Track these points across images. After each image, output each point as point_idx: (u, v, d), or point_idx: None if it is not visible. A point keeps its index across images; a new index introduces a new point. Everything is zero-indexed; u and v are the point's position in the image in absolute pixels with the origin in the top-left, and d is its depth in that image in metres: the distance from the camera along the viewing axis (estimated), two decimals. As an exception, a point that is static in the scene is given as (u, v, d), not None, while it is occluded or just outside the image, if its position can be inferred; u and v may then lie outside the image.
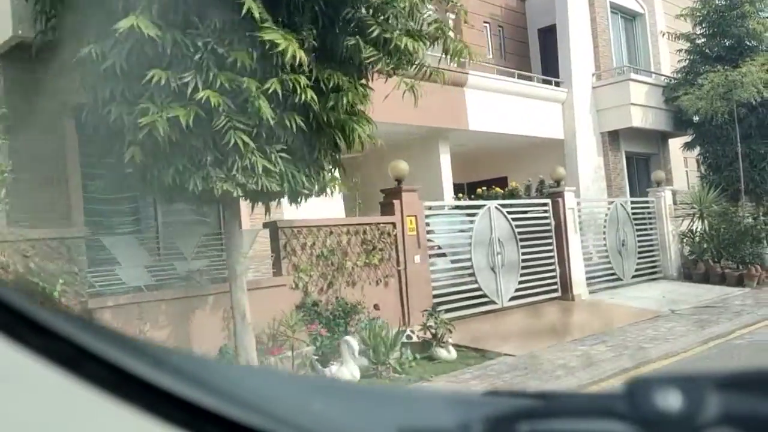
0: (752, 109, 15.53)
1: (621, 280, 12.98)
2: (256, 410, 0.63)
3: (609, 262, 12.78)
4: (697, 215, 14.58)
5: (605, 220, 12.95)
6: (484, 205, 10.75)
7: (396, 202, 9.02)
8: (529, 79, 15.77)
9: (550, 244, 11.61)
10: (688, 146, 16.96)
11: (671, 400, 0.57)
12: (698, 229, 14.57)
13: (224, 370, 0.86)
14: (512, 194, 12.54)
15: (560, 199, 11.89)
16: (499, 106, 14.36)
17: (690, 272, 14.13)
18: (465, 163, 17.15)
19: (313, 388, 0.81)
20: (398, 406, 0.77)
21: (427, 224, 10.39)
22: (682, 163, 19.40)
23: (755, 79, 13.96)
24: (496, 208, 10.87)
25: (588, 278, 12.17)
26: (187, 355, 0.88)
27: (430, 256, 10.28)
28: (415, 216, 9.01)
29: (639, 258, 13.72)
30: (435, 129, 13.36)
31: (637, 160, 18.06)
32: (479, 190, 12.85)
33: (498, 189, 12.64)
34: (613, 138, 16.47)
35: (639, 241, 13.86)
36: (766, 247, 14.07)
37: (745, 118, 15.57)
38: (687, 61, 16.69)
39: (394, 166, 9.09)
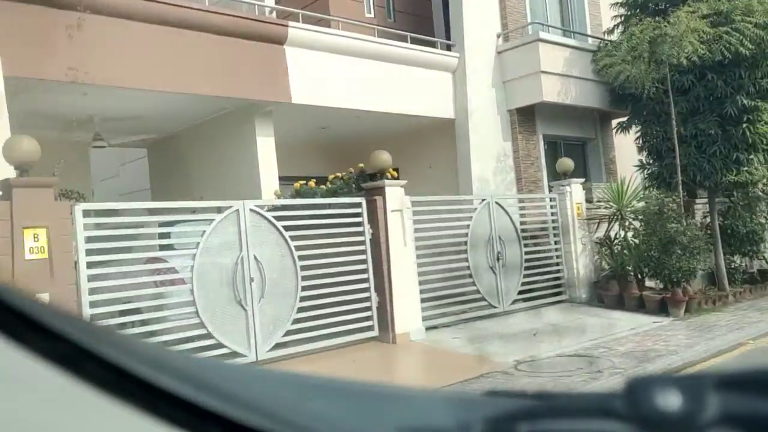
0: (700, 77, 11.83)
1: (495, 307, 9.48)
2: (256, 410, 0.62)
3: (474, 284, 9.28)
4: (616, 217, 10.96)
5: (469, 228, 9.42)
6: (230, 208, 7.32)
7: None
8: (423, 43, 12.26)
9: (362, 263, 8.15)
10: (622, 127, 13.30)
11: (671, 400, 0.57)
12: (619, 236, 10.97)
13: (224, 370, 0.82)
14: (335, 191, 9.11)
15: (378, 198, 8.41)
16: (351, 72, 10.91)
17: (603, 294, 10.57)
18: (336, 151, 13.76)
19: (313, 388, 0.79)
20: (398, 406, 0.76)
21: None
22: (636, 150, 15.71)
23: (686, 31, 10.27)
24: (252, 210, 7.45)
25: (435, 307, 8.71)
26: (187, 355, 0.89)
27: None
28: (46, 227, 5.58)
29: (531, 276, 10.20)
30: (245, 102, 9.99)
31: (567, 146, 14.43)
32: (297, 185, 9.44)
33: (313, 184, 9.21)
34: (525, 118, 12.88)
35: (531, 254, 10.33)
36: (702, 262, 10.40)
37: (691, 88, 11.88)
38: (622, 17, 12.98)
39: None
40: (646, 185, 12.73)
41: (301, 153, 13.57)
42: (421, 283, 8.50)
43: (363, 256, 8.16)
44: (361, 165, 9.19)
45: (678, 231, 10.15)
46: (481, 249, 9.41)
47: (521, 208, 10.92)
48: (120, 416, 0.58)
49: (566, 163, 11.13)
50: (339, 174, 9.35)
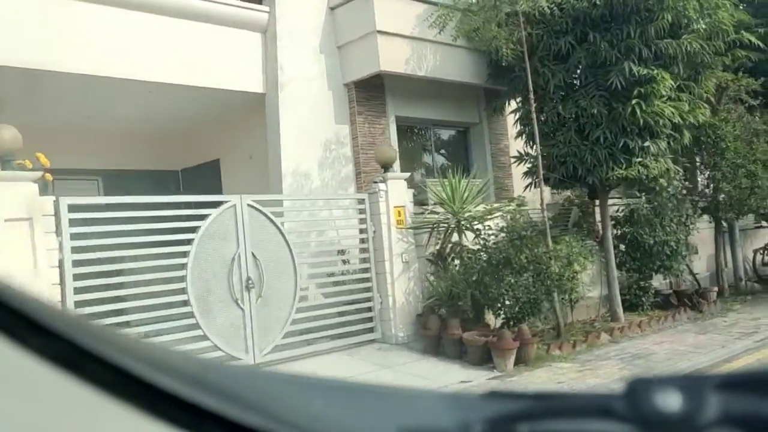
0: (581, 39, 8.91)
1: (238, 359, 6.59)
2: (256, 410, 0.62)
3: (198, 326, 6.37)
4: (451, 228, 8.05)
5: (192, 244, 6.50)
6: None
7: None
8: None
9: None
10: (493, 108, 10.39)
11: (671, 401, 0.57)
12: (458, 252, 8.06)
13: (224, 370, 0.81)
14: None
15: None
16: (134, 31, 8.03)
17: (422, 332, 7.67)
18: (158, 140, 10.94)
19: (313, 388, 0.78)
20: (398, 406, 0.75)
21: None
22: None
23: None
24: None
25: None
26: (186, 355, 0.76)
27: None
28: None
29: (316, 310, 7.31)
30: None
31: (440, 133, 11.53)
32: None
33: None
34: (370, 94, 9.96)
35: (317, 277, 7.45)
36: (549, 299, 7.51)
37: (570, 53, 8.97)
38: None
39: None
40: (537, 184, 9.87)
41: (106, 141, 10.72)
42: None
43: None
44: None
45: (509, 247, 7.25)
46: (220, 274, 6.53)
47: (312, 215, 8.04)
48: (120, 416, 0.58)
49: (385, 152, 8.24)
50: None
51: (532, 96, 8.40)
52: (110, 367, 0.59)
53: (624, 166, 8.75)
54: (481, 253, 7.54)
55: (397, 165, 10.13)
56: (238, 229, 6.59)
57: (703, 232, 12.34)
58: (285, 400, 0.70)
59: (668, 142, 9.10)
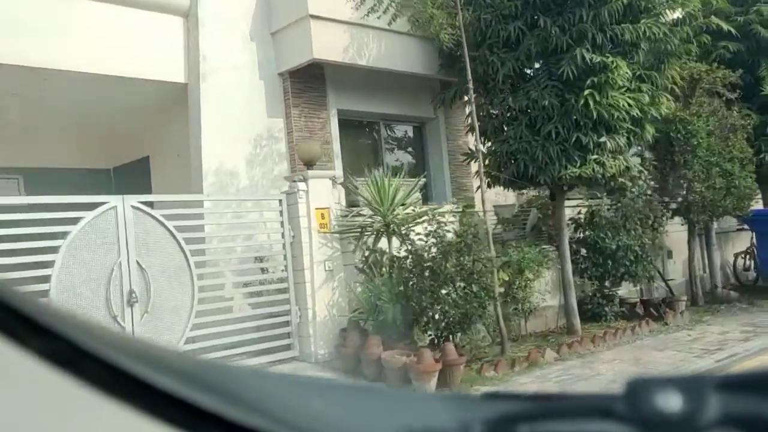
0: (531, 24, 8.09)
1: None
2: (256, 410, 0.63)
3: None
4: (380, 232, 7.21)
5: (59, 252, 5.66)
6: None
7: None
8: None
9: None
10: (441, 101, 9.57)
11: (671, 401, 0.57)
12: (386, 259, 7.22)
13: (224, 370, 0.78)
14: None
15: None
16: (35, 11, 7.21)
17: (343, 351, 6.84)
18: (88, 135, 10.15)
19: (313, 388, 0.80)
20: (398, 406, 0.76)
21: None
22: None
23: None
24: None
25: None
26: (186, 355, 0.91)
27: None
28: None
29: (222, 325, 6.50)
30: None
31: (392, 128, 10.71)
32: None
33: None
34: (308, 85, 9.14)
35: (219, 288, 6.63)
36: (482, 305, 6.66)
37: (521, 40, 8.15)
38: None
39: None
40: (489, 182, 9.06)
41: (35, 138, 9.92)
42: None
43: None
44: None
45: (436, 254, 6.43)
46: (96, 287, 5.70)
47: (222, 217, 7.23)
48: (119, 416, 0.58)
49: (309, 148, 7.41)
50: None
51: (471, 86, 7.60)
52: (109, 367, 0.59)
53: (578, 164, 7.93)
54: (408, 262, 6.72)
55: (338, 163, 9.35)
56: (119, 235, 5.77)
57: (679, 235, 11.53)
58: (285, 400, 0.70)
59: (628, 138, 8.28)
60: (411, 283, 6.45)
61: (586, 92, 7.65)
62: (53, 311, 0.63)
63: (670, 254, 11.97)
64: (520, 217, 9.89)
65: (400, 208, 6.92)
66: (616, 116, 7.74)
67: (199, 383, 0.64)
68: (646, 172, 9.50)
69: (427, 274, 6.42)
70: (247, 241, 7.22)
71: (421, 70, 9.58)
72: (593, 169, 7.90)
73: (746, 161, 10.90)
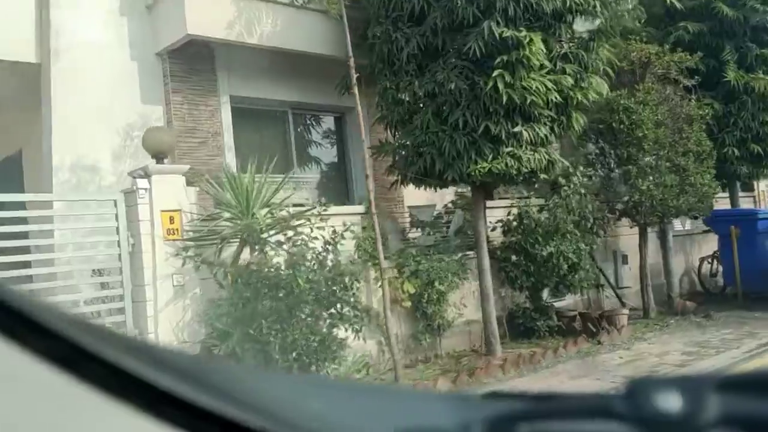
0: (436, -6, 6.90)
1: None
2: (256, 410, 0.63)
3: None
4: (246, 241, 6.00)
5: None
6: None
7: None
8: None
9: None
10: (345, 86, 8.37)
11: (671, 401, 0.57)
12: (229, 274, 5.99)
13: (224, 370, 0.81)
14: None
15: None
16: None
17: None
18: None
19: (313, 387, 0.80)
20: (398, 406, 0.76)
21: None
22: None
23: None
24: None
25: None
26: (186, 355, 0.87)
27: None
28: None
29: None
30: None
31: (303, 118, 9.52)
32: None
33: None
34: (193, 67, 7.94)
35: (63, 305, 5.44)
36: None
37: (427, 13, 6.95)
38: None
39: None
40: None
41: None
42: None
43: None
44: None
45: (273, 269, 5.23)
46: None
47: (78, 219, 6.04)
48: (120, 416, 0.58)
49: (156, 137, 6.20)
50: None
51: (352, 63, 6.41)
52: (110, 366, 0.59)
53: (489, 158, 6.75)
54: (253, 276, 5.53)
55: (231, 158, 8.17)
56: None
57: (637, 238, 10.34)
58: (285, 400, 0.70)
59: (552, 128, 7.09)
60: (258, 303, 5.26)
61: (495, 73, 6.47)
62: (53, 311, 0.63)
63: (625, 259, 10.81)
64: (442, 220, 8.70)
65: (263, 210, 5.72)
66: (531, 102, 6.55)
67: (199, 383, 0.63)
68: (582, 168, 8.31)
69: (281, 294, 5.23)
70: (80, 250, 6.02)
71: (329, 51, 8.36)
72: (506, 164, 6.72)
73: (705, 156, 9.73)
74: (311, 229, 5.60)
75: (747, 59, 10.63)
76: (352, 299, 5.47)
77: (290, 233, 5.51)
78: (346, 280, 5.59)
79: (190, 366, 0.71)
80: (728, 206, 11.95)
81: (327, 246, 5.51)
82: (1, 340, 0.58)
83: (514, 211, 8.42)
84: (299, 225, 5.58)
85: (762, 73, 10.50)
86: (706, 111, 9.79)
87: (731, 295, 10.72)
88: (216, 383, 0.66)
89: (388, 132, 7.88)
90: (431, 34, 6.93)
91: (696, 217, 10.34)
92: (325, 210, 6.04)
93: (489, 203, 9.00)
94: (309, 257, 5.38)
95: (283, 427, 0.61)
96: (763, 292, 10.45)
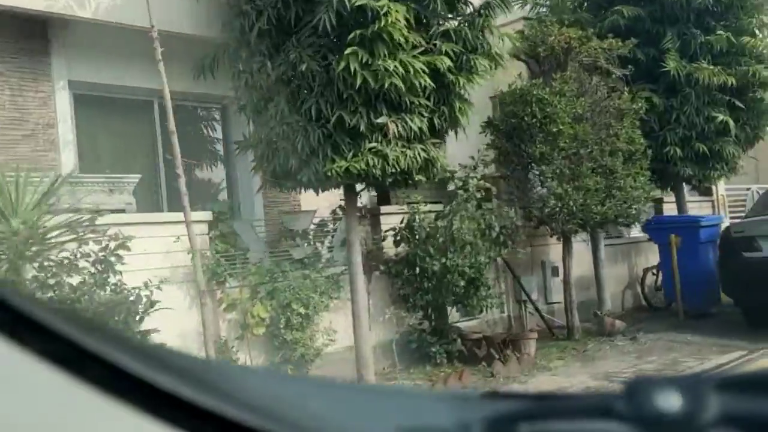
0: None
1: None
2: (256, 410, 0.63)
3: None
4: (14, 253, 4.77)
5: None
6: None
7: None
8: None
9: None
10: (202, 68, 7.12)
11: (671, 401, 0.57)
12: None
13: (224, 369, 0.82)
14: None
15: None
16: None
17: None
18: None
19: (313, 387, 0.80)
20: (398, 405, 0.75)
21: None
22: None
23: None
24: None
25: None
26: (186, 355, 0.77)
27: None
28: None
29: None
30: None
31: (179, 111, 8.27)
32: None
33: None
34: (22, 46, 6.71)
35: None
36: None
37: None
38: None
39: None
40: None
41: None
42: None
43: None
44: None
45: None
46: None
47: None
48: (120, 416, 0.58)
49: None
50: None
51: (155, 34, 5.19)
52: (110, 366, 0.59)
53: (349, 156, 5.56)
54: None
55: (70, 156, 6.93)
56: None
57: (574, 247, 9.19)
58: (285, 400, 0.70)
59: (431, 120, 5.91)
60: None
61: (348, 50, 5.27)
62: (53, 311, 0.63)
63: (555, 271, 9.64)
64: (325, 228, 7.51)
65: (17, 219, 4.48)
66: (396, 87, 5.35)
67: (199, 382, 0.63)
68: (484, 169, 7.13)
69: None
70: None
71: (192, 29, 7.16)
72: (368, 163, 5.52)
73: (638, 155, 8.59)
74: (87, 243, 4.37)
75: (690, 47, 9.49)
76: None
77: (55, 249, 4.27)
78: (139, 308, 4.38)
79: (190, 366, 0.71)
80: (675, 212, 10.84)
81: (98, 265, 4.27)
82: (1, 340, 0.58)
83: (418, 218, 7.23)
84: (68, 238, 4.35)
85: (707, 63, 9.36)
86: (640, 105, 8.64)
87: (675, 312, 9.60)
88: (216, 383, 0.66)
89: (250, 123, 6.69)
90: (283, 6, 5.72)
91: (627, 225, 9.19)
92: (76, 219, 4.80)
93: (386, 209, 7.86)
94: (75, 280, 4.15)
95: (283, 427, 0.61)
96: (706, 309, 9.35)
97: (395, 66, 5.29)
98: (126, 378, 0.59)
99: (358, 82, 5.26)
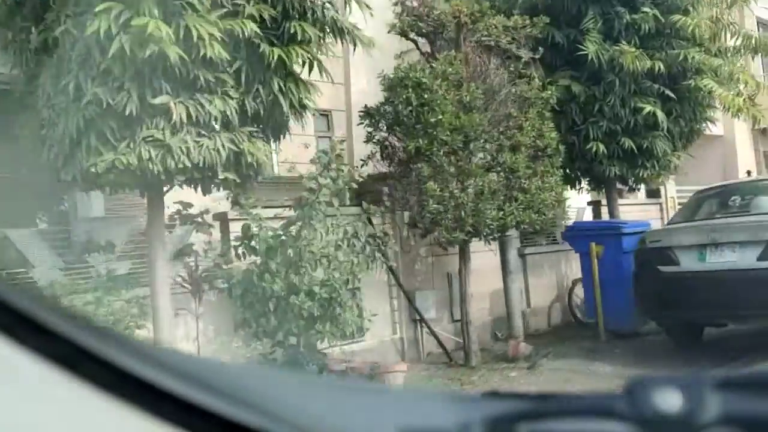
0: None
1: None
2: (256, 410, 0.62)
3: None
4: None
5: None
6: None
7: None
8: None
9: None
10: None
11: (671, 401, 0.57)
12: None
13: (224, 369, 0.82)
14: None
15: None
16: None
17: None
18: None
19: (313, 387, 0.80)
20: (398, 406, 0.76)
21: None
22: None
23: None
24: None
25: None
26: (186, 355, 0.81)
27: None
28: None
29: None
30: None
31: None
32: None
33: None
34: None
35: None
36: None
37: None
38: None
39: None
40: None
41: None
42: None
43: None
44: None
45: None
46: None
47: None
48: (120, 416, 0.58)
49: None
50: None
51: None
52: (110, 366, 0.59)
53: (120, 146, 4.29)
54: None
55: None
56: None
57: (483, 258, 7.96)
58: (285, 400, 0.69)
59: (242, 102, 4.64)
60: None
61: (101, 7, 3.99)
62: (53, 311, 0.62)
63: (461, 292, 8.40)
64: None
65: None
66: (180, 59, 4.08)
67: (200, 383, 0.63)
68: (332, 164, 5.86)
69: None
70: None
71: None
72: (141, 156, 4.24)
73: (549, 152, 7.38)
74: None
75: (615, 29, 8.30)
76: None
77: None
78: None
79: (190, 366, 0.70)
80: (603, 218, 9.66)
81: None
82: (1, 340, 0.57)
83: (253, 227, 5.95)
84: None
85: (634, 46, 8.15)
86: (550, 93, 7.43)
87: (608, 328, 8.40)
88: (216, 383, 0.65)
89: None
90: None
91: (532, 232, 7.99)
92: None
93: (236, 214, 6.56)
94: None
95: (283, 427, 0.61)
96: (632, 328, 8.15)
97: (167, 31, 4.01)
98: (126, 378, 0.58)
99: (113, 48, 3.99)
